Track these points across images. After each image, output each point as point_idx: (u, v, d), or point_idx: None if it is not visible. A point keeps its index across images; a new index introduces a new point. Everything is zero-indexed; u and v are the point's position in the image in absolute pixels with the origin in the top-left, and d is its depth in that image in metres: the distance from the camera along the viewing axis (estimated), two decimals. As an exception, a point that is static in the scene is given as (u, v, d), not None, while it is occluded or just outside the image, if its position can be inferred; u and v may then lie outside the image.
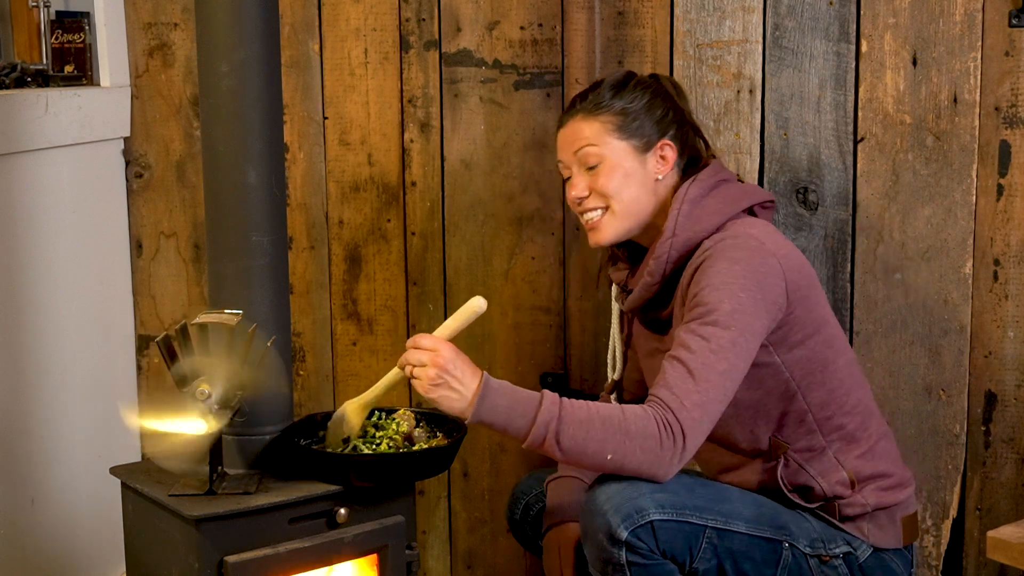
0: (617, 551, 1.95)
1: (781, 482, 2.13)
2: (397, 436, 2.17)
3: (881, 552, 2.15)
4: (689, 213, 2.13)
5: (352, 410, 2.17)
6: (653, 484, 1.97)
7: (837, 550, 2.12)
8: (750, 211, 2.17)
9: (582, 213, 2.21)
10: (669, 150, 2.20)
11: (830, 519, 2.14)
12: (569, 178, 2.22)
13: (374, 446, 2.15)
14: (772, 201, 2.22)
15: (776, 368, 2.10)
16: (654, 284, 2.15)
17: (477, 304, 2.06)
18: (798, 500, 2.13)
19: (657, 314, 2.21)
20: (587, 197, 2.18)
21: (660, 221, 2.17)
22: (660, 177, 2.19)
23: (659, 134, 2.19)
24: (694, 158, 2.24)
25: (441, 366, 1.97)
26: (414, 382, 2.00)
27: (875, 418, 2.21)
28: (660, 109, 2.20)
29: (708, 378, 1.96)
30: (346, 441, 2.16)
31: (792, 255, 2.11)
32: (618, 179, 2.16)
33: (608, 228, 2.18)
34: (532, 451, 1.99)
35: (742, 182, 2.23)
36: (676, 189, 2.18)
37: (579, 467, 2.19)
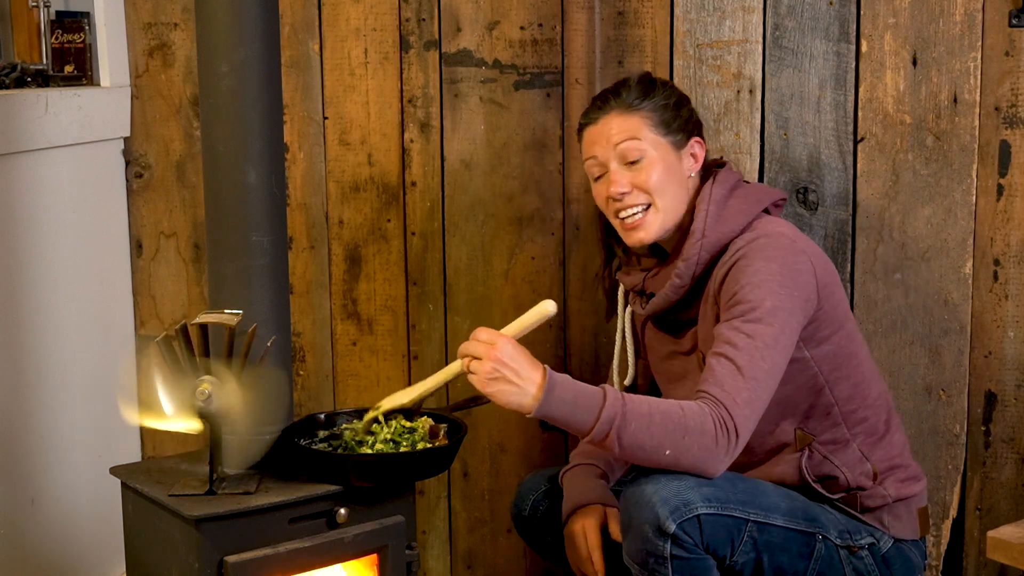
0: (663, 544, 1.95)
1: (805, 472, 2.14)
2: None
3: (900, 543, 2.17)
4: (717, 214, 2.14)
5: (398, 392, 2.17)
6: (699, 478, 1.98)
7: (863, 541, 2.13)
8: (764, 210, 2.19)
9: (619, 211, 2.17)
10: (699, 148, 2.21)
11: (850, 511, 2.15)
12: (601, 176, 2.20)
13: (384, 444, 2.14)
14: (784, 199, 2.24)
15: (806, 363, 2.11)
16: (683, 286, 2.16)
17: (547, 307, 2.03)
18: (821, 490, 2.14)
19: (678, 316, 2.21)
20: (629, 193, 2.15)
21: (684, 221, 2.18)
22: (692, 175, 2.20)
23: (689, 133, 2.20)
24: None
25: (497, 359, 1.95)
26: (470, 376, 1.99)
27: (892, 411, 2.23)
28: (686, 108, 2.22)
29: (755, 375, 1.97)
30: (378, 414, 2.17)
31: (818, 253, 2.14)
32: (661, 174, 2.15)
33: (654, 225, 2.16)
34: (596, 443, 1.97)
35: (747, 183, 2.24)
36: (697, 190, 2.19)
37: (632, 461, 2.15)
